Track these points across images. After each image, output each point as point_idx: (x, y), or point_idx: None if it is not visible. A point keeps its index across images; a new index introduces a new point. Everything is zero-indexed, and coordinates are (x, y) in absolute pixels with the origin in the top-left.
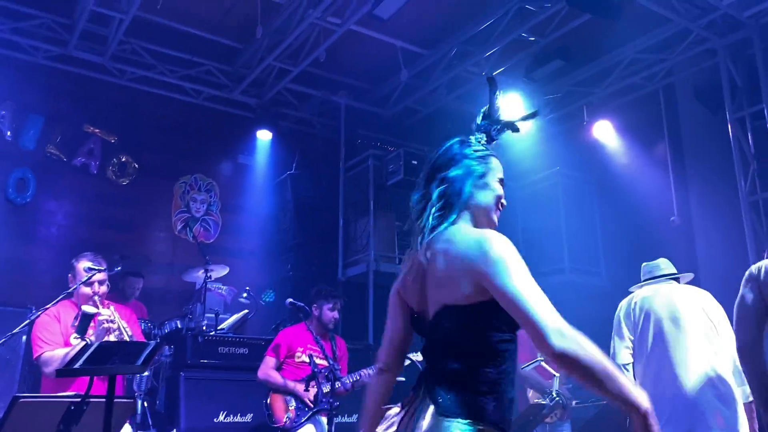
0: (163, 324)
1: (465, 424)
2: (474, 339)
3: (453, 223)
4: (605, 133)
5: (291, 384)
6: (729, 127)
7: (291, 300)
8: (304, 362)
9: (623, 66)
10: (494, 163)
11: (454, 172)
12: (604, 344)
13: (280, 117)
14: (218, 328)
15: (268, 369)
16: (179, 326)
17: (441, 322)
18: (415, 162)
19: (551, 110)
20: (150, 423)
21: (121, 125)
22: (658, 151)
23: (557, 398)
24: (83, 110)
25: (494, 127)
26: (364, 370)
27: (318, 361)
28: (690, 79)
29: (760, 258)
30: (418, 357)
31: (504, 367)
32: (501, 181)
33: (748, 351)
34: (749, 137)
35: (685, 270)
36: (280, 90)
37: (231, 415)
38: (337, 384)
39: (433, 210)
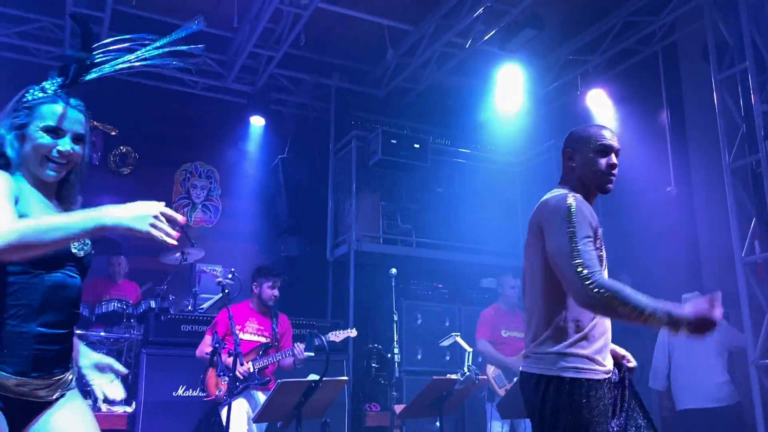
0: (139, 304)
1: None
2: None
3: None
4: (599, 102)
5: (223, 359)
6: (714, 88)
7: (220, 280)
8: (242, 339)
9: (616, 31)
10: (42, 110)
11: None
12: None
13: (276, 102)
14: (200, 308)
15: (204, 347)
16: (153, 306)
17: None
18: (394, 141)
19: (549, 82)
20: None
21: (121, 118)
22: (658, 118)
23: (468, 373)
24: (85, 106)
25: (72, 67)
26: (297, 346)
27: (255, 338)
28: (690, 38)
29: (744, 233)
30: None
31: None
32: (50, 128)
33: None
34: (740, 98)
35: (685, 243)
36: (274, 75)
37: (190, 389)
38: (277, 359)
39: None
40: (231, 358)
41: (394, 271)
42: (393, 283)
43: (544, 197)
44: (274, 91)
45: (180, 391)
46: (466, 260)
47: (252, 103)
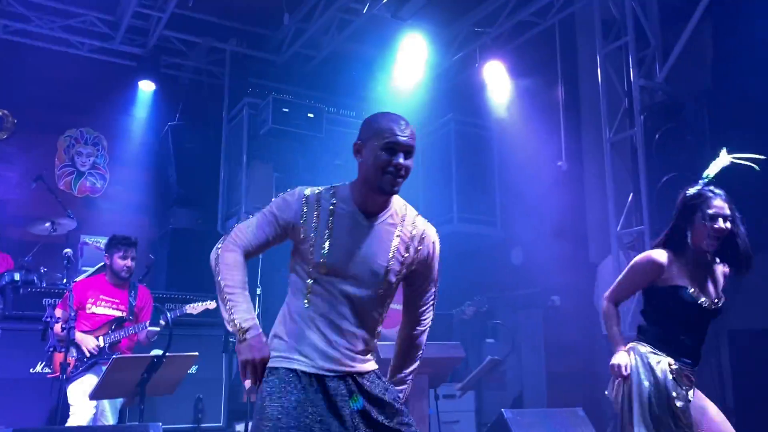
0: (1, 276)
1: None
2: None
3: None
4: (496, 75)
5: (74, 335)
6: (598, 62)
7: (68, 250)
8: (94, 313)
9: (515, 1)
10: None
11: None
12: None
13: (170, 67)
14: (74, 280)
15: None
16: (16, 279)
17: None
18: (286, 110)
19: (452, 54)
20: None
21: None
22: (553, 92)
23: None
24: None
25: None
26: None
27: (109, 311)
28: (587, 11)
29: (621, 206)
30: None
31: None
32: None
33: None
34: (624, 73)
35: (573, 217)
36: (166, 38)
37: (48, 366)
38: (129, 333)
39: None
40: (67, 334)
41: None
42: (261, 255)
43: None
44: (166, 55)
45: (38, 368)
46: None
47: (141, 66)
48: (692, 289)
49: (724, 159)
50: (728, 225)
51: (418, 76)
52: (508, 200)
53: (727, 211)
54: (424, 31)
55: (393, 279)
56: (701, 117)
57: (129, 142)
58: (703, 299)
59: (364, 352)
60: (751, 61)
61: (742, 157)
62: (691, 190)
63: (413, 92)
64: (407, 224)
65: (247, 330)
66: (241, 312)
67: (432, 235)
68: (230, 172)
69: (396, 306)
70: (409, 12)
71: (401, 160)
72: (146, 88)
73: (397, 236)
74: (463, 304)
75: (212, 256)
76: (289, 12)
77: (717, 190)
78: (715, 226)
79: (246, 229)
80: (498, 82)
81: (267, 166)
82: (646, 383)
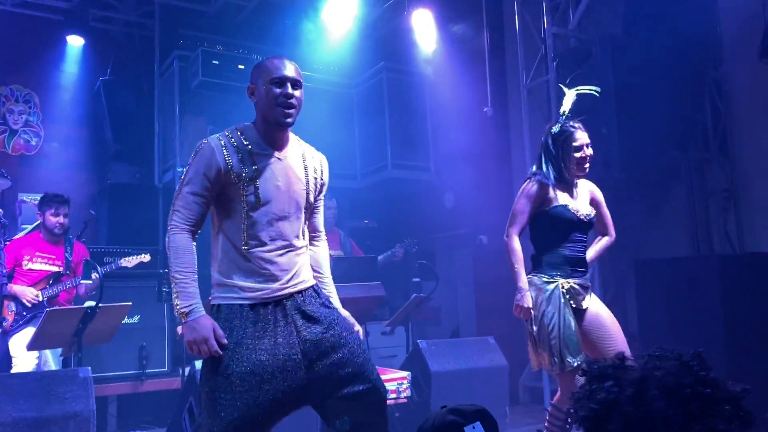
0: None
1: None
2: None
3: None
4: (423, 22)
5: (12, 289)
6: (516, 10)
7: None
8: (31, 269)
9: None
10: None
11: None
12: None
13: (99, 20)
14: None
15: None
16: None
17: None
18: (216, 62)
19: (382, 2)
20: None
21: None
22: (479, 39)
23: None
24: None
25: None
26: (96, 273)
27: (46, 267)
28: None
29: (537, 149)
30: None
31: None
32: None
33: None
34: (541, 20)
35: (499, 161)
36: None
37: None
38: (66, 286)
39: None
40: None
41: None
42: None
43: None
44: (95, 8)
45: None
46: None
47: (69, 20)
48: (572, 206)
49: (569, 94)
50: (590, 150)
51: (349, 25)
52: (441, 146)
53: (588, 139)
54: None
55: (309, 203)
56: (606, 63)
57: (62, 98)
58: (581, 213)
59: (297, 274)
60: (659, 8)
61: (584, 88)
62: (555, 128)
63: (345, 41)
64: (308, 155)
65: (187, 314)
66: (184, 297)
67: (324, 160)
68: (164, 125)
69: (332, 252)
70: None
71: (290, 90)
72: (75, 42)
73: (305, 166)
74: (395, 246)
75: (166, 238)
76: None
77: (576, 124)
78: (583, 155)
79: (186, 204)
80: (426, 30)
81: (200, 119)
82: (552, 314)
